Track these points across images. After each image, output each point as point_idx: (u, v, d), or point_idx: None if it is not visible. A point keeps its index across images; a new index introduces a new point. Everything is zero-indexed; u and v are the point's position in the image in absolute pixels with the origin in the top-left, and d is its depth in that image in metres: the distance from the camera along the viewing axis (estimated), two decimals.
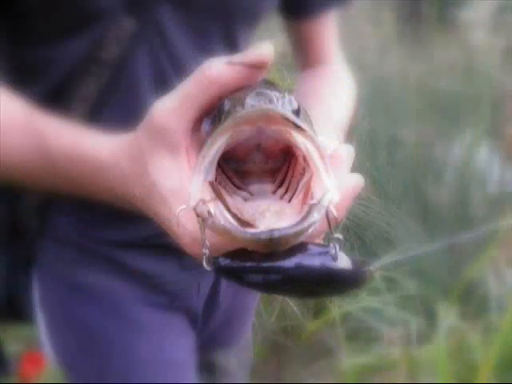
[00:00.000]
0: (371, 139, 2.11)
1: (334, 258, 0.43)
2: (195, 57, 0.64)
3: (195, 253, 0.46)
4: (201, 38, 0.67)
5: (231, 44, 0.70)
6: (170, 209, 0.46)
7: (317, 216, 0.40)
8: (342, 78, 0.81)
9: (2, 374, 0.81)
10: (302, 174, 0.44)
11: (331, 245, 0.43)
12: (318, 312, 1.82)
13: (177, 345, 0.77)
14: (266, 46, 0.45)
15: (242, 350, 0.93)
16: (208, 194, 0.42)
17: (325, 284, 0.45)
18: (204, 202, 0.41)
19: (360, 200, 1.83)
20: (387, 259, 1.56)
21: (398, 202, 2.00)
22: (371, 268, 0.46)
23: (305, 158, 0.43)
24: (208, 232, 0.42)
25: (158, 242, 0.69)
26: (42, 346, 0.77)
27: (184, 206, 0.44)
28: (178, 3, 0.65)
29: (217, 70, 0.45)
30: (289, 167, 0.47)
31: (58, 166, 0.55)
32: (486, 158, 2.09)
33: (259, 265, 0.42)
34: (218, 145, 0.42)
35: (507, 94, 2.16)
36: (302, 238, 0.40)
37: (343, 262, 0.44)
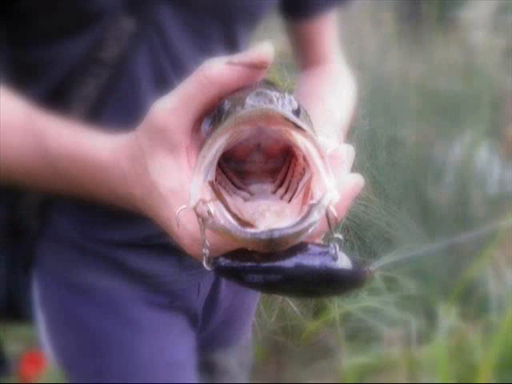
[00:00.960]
0: (371, 139, 2.11)
1: (334, 258, 0.43)
2: (195, 57, 0.64)
3: (195, 253, 0.46)
4: (201, 38, 0.67)
5: (231, 44, 0.70)
6: (170, 209, 0.46)
7: (317, 216, 0.40)
8: (342, 78, 0.81)
9: (2, 374, 0.81)
10: (302, 174, 0.44)
11: (331, 245, 0.43)
12: (317, 312, 1.82)
13: (177, 345, 0.77)
14: (266, 46, 0.45)
15: (241, 350, 0.93)
16: (208, 194, 0.42)
17: (325, 284, 0.45)
18: (204, 201, 0.41)
19: (360, 200, 1.83)
20: (387, 259, 1.56)
21: (398, 202, 2.00)
22: (371, 268, 0.46)
23: (305, 158, 0.43)
24: (208, 232, 0.42)
25: (158, 241, 0.69)
26: (42, 346, 0.77)
27: (184, 206, 0.44)
28: (178, 3, 0.65)
29: (217, 70, 0.45)
30: (289, 167, 0.47)
31: (58, 166, 0.55)
32: (485, 158, 2.10)
33: (259, 265, 0.42)
34: (217, 145, 0.42)
35: (507, 94, 2.16)
36: (302, 238, 0.40)
37: (343, 262, 0.44)
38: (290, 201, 0.45)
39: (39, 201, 0.71)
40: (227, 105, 0.44)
